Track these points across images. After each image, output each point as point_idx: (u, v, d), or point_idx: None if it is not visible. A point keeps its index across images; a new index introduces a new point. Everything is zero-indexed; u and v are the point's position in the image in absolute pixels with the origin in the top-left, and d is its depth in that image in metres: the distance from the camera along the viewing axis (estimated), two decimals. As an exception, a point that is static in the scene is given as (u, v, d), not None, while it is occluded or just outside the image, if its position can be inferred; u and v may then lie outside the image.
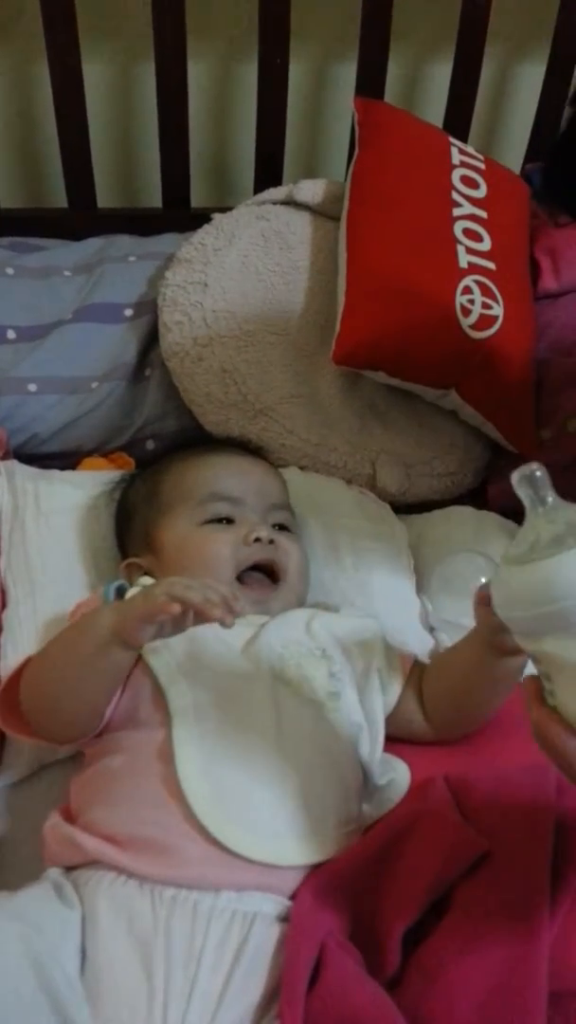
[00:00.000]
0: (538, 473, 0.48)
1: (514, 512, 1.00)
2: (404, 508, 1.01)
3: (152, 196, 1.31)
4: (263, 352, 1.01)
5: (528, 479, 0.48)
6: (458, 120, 1.28)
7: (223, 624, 0.57)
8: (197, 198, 1.30)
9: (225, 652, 0.65)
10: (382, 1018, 0.49)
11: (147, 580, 0.72)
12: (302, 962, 0.52)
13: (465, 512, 0.98)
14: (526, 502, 0.48)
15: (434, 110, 1.29)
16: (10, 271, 1.11)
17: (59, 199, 1.28)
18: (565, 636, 0.46)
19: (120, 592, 0.69)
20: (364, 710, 0.68)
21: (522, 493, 0.49)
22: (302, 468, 0.99)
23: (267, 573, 0.74)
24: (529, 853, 0.58)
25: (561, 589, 0.45)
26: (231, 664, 0.66)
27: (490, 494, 1.05)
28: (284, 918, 0.57)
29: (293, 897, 0.58)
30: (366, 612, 0.79)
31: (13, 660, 0.75)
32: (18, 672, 0.66)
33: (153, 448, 1.06)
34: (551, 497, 0.48)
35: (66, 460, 1.03)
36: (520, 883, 0.56)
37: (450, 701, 0.71)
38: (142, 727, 0.63)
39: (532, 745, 0.56)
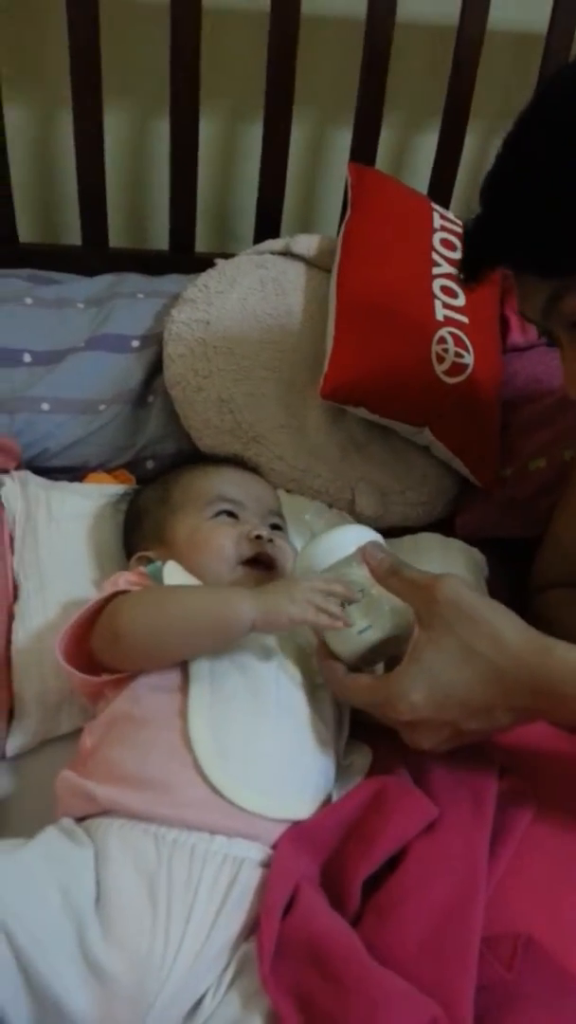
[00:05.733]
0: None
1: (478, 540, 1.10)
2: (379, 532, 1.10)
3: (160, 239, 1.40)
4: (257, 385, 1.10)
5: None
6: (442, 186, 1.38)
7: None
8: (201, 244, 1.40)
9: None
10: (341, 939, 0.58)
11: (173, 563, 0.80)
12: (279, 896, 0.61)
13: (433, 538, 1.07)
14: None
15: (421, 176, 1.40)
16: (28, 301, 1.19)
17: (74, 237, 1.38)
18: None
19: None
20: (340, 701, 0.77)
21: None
22: (288, 491, 1.07)
23: (265, 566, 0.82)
24: (473, 820, 0.67)
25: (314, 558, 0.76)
26: (246, 642, 0.74)
27: (457, 523, 1.14)
28: (266, 864, 0.65)
29: (274, 847, 0.66)
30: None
31: (24, 643, 0.84)
32: (89, 617, 0.75)
33: (152, 467, 1.14)
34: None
35: (73, 474, 1.10)
36: (464, 843, 0.65)
37: None
38: (164, 686, 0.72)
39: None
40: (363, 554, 0.73)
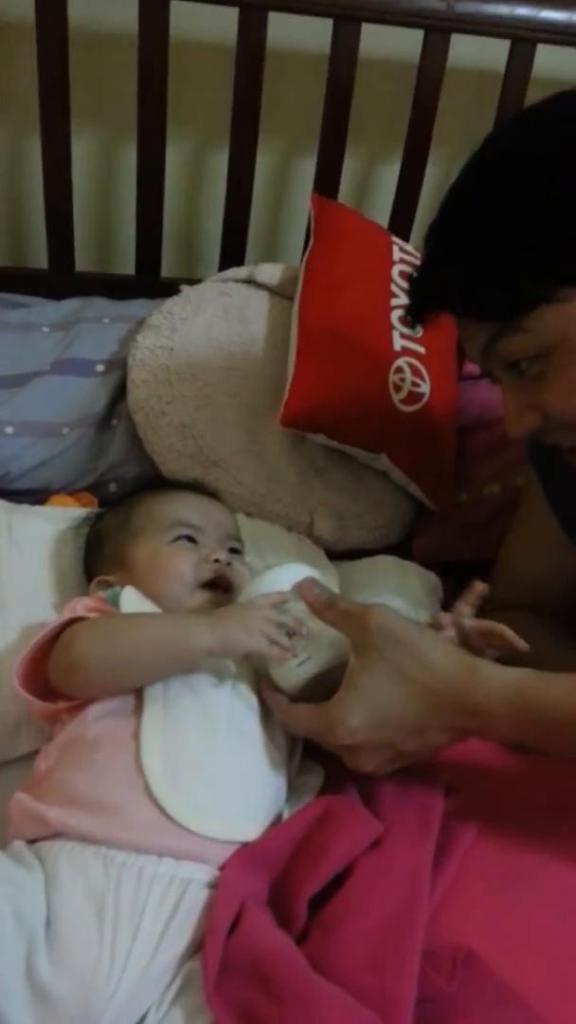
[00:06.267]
0: None
1: (434, 563, 1.14)
2: (337, 555, 1.12)
3: (126, 264, 1.42)
4: (220, 411, 1.12)
5: None
6: (404, 216, 1.41)
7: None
8: (167, 268, 1.42)
9: None
10: (284, 956, 0.60)
11: (131, 589, 0.82)
12: (225, 914, 0.63)
13: (390, 561, 1.10)
14: None
15: (382, 207, 1.44)
16: (-6, 325, 1.22)
17: (41, 261, 1.40)
18: None
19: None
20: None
21: None
22: (248, 515, 1.09)
23: (223, 589, 0.85)
24: (418, 837, 0.70)
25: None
26: (200, 666, 0.77)
27: (414, 546, 1.17)
28: (213, 885, 0.67)
29: (222, 868, 0.68)
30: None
31: (-16, 667, 0.85)
32: (46, 644, 0.76)
33: (115, 490, 1.16)
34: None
35: (35, 496, 1.11)
36: (408, 860, 0.67)
37: None
38: (118, 710, 0.73)
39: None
40: (300, 590, 0.78)
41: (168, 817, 0.68)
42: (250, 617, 0.73)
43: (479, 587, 0.80)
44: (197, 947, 0.64)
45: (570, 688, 0.67)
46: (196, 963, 0.63)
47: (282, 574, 0.81)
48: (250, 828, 0.71)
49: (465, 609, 0.79)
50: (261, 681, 0.79)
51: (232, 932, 0.63)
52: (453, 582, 1.12)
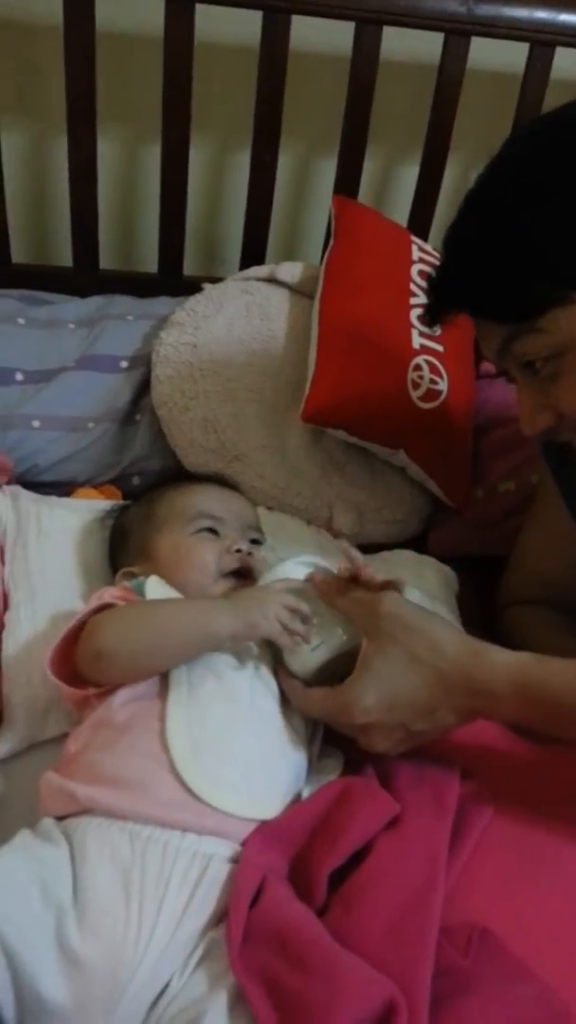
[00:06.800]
0: None
1: (450, 558, 1.15)
2: (356, 548, 1.14)
3: (149, 262, 1.45)
4: (241, 407, 1.14)
5: None
6: (422, 217, 1.43)
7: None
8: (189, 267, 1.44)
9: None
10: (305, 925, 0.63)
11: (155, 578, 0.85)
12: (247, 886, 0.65)
13: (407, 555, 1.12)
14: None
15: (402, 208, 1.45)
16: (21, 321, 1.23)
17: (66, 259, 1.42)
18: None
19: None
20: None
21: None
22: (269, 508, 1.11)
23: (245, 577, 0.87)
24: (434, 819, 0.72)
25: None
26: (222, 652, 0.79)
27: (430, 541, 1.19)
28: (235, 860, 0.69)
29: (243, 844, 0.70)
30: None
31: (13, 652, 0.88)
32: (75, 632, 0.79)
33: (138, 483, 1.18)
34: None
35: (61, 489, 1.14)
36: (425, 840, 0.70)
37: None
38: (145, 693, 0.76)
39: (443, 739, 0.75)
40: (312, 579, 0.81)
41: (191, 793, 0.70)
42: (268, 602, 0.76)
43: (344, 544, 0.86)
44: (219, 919, 0.67)
45: (573, 672, 0.69)
46: (219, 932, 0.65)
47: (295, 565, 0.83)
48: (270, 806, 0.73)
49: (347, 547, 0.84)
50: (278, 665, 0.81)
51: (254, 905, 0.65)
52: (468, 576, 1.14)
